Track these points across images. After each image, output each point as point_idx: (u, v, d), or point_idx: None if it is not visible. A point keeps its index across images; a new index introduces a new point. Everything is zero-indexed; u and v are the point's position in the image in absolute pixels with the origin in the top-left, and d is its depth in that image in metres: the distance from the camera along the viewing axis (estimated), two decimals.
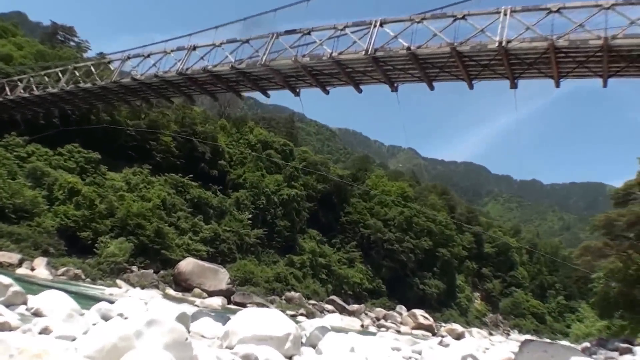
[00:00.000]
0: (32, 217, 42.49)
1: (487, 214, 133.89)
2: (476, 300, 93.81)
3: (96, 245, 44.14)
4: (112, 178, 53.32)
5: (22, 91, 32.35)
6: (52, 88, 30.99)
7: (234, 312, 28.61)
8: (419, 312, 53.89)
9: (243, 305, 43.17)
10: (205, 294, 43.05)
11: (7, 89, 33.17)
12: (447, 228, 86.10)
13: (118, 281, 40.01)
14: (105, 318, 12.03)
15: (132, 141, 58.40)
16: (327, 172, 72.29)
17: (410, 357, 13.75)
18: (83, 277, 38.86)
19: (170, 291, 41.59)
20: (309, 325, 16.00)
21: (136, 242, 45.99)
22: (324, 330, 13.73)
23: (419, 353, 14.25)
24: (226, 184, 63.92)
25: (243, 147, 70.55)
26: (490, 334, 60.42)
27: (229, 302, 43.38)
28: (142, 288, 37.82)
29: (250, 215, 60.99)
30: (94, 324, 10.85)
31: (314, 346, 12.40)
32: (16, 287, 12.20)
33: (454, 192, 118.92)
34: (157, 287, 41.51)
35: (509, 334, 73.61)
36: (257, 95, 57.44)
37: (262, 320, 11.42)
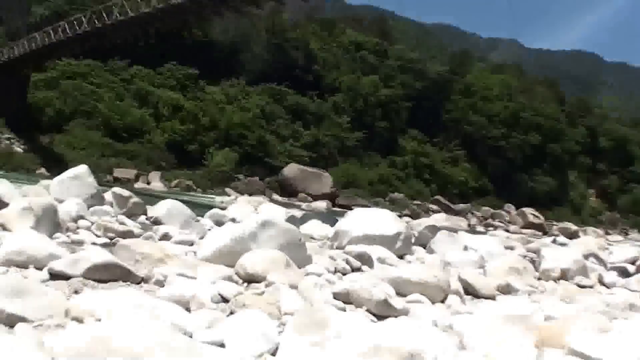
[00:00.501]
0: (142, 134, 44.75)
1: (601, 106, 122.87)
2: (591, 198, 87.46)
3: (203, 156, 45.85)
4: (211, 92, 54.61)
5: (117, 15, 33.10)
6: (144, 8, 31.54)
7: (340, 214, 29.42)
8: (528, 211, 52.17)
9: (348, 207, 43.87)
10: (310, 198, 44.05)
11: (104, 15, 34.02)
12: (557, 122, 79.59)
13: (227, 190, 41.50)
14: (219, 223, 12.64)
15: (226, 54, 59.08)
16: (425, 69, 70.69)
17: (525, 256, 13.52)
18: (194, 187, 40.60)
19: (276, 197, 42.74)
20: (417, 224, 16.00)
21: (240, 152, 47.37)
22: (433, 229, 13.71)
23: (535, 252, 13.97)
24: (322, 89, 63.74)
25: (336, 50, 69.82)
26: (607, 233, 57.79)
27: (334, 205, 44.20)
28: (250, 195, 38.92)
29: (349, 119, 60.89)
30: (209, 229, 11.46)
31: (424, 245, 12.39)
32: (135, 199, 12.86)
33: (564, 84, 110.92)
34: (263, 193, 42.69)
35: (627, 234, 69.01)
36: None
37: (372, 220, 11.51)
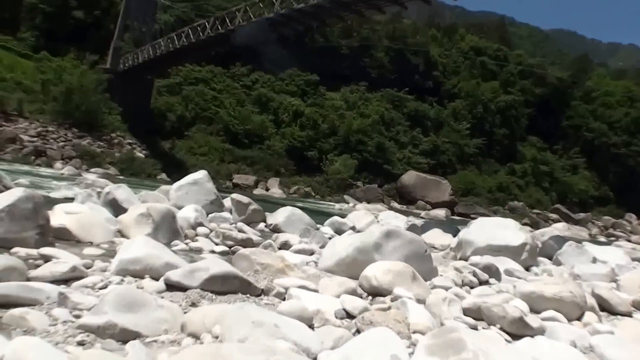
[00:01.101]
0: (262, 140, 45.41)
1: None
2: None
3: (322, 163, 45.94)
4: (331, 98, 54.88)
5: (240, 20, 33.61)
6: (267, 13, 31.83)
7: (460, 223, 28.56)
8: None
9: (467, 215, 42.84)
10: (428, 206, 43.23)
11: (227, 20, 34.66)
12: None
13: (345, 196, 41.32)
14: (339, 232, 12.27)
15: (346, 60, 59.13)
16: (545, 74, 68.13)
17: None
18: (313, 194, 40.69)
19: (394, 204, 42.17)
20: (540, 234, 15.17)
21: (359, 158, 47.18)
22: (558, 239, 12.93)
23: None
24: (441, 95, 62.81)
25: (456, 55, 68.56)
26: None
27: (453, 213, 43.16)
28: (368, 202, 38.61)
29: (468, 125, 59.60)
30: (330, 238, 11.08)
31: (549, 257, 11.64)
32: (255, 206, 12.68)
33: None
34: (382, 200, 42.25)
35: None
36: (463, 2, 55.46)
37: (496, 230, 10.89)
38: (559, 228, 13.97)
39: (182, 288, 5.29)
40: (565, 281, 6.92)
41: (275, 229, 12.02)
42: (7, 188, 9.55)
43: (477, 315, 5.54)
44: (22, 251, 6.17)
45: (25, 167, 24.01)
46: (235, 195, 13.32)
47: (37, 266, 5.72)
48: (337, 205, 33.61)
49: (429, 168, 51.50)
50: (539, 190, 58.98)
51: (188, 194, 12.87)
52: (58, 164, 29.80)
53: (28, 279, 5.11)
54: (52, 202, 8.69)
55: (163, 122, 45.08)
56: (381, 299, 5.83)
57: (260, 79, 53.68)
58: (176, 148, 42.53)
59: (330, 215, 14.25)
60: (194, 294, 5.15)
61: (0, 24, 45.54)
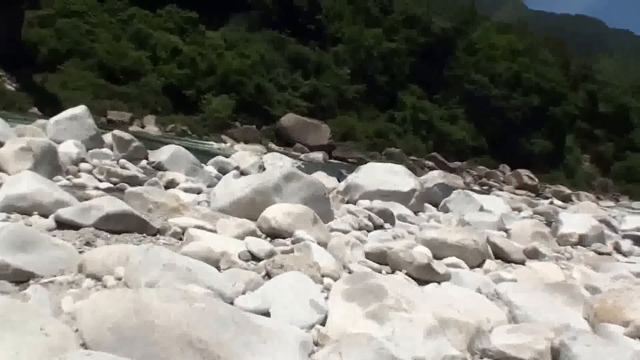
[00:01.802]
0: (138, 77, 43.87)
1: (601, 72, 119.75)
2: (585, 163, 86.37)
3: (199, 102, 45.06)
4: (210, 37, 53.41)
5: None
6: None
7: (338, 166, 29.07)
8: (523, 172, 51.71)
9: (344, 159, 43.64)
10: (306, 149, 43.55)
11: None
12: (560, 85, 77.32)
13: (223, 136, 40.89)
14: (222, 171, 12.11)
15: None
16: (429, 25, 69.32)
17: (532, 217, 13.22)
18: (190, 133, 39.95)
19: (273, 146, 42.10)
20: (423, 181, 15.65)
21: (237, 99, 46.54)
22: (443, 187, 13.38)
23: (541, 214, 13.69)
24: (324, 39, 62.57)
25: None
26: (598, 198, 57.50)
27: (330, 157, 43.76)
28: (246, 143, 38.45)
29: (349, 70, 59.89)
30: (216, 177, 10.94)
31: (433, 203, 12.03)
32: (137, 143, 12.34)
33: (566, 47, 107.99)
34: (260, 142, 42.08)
35: (618, 200, 68.36)
36: None
37: (385, 175, 11.13)
38: (435, 175, 14.37)
39: (75, 226, 5.02)
40: (468, 230, 7.17)
41: (159, 167, 11.73)
42: None
43: (379, 259, 5.63)
44: None
45: None
46: (116, 131, 12.84)
47: None
48: (216, 145, 33.26)
49: (309, 111, 51.54)
50: (417, 138, 60.55)
51: (67, 129, 12.25)
52: None
53: None
54: None
55: (34, 55, 42.42)
56: (282, 241, 5.79)
57: (137, 13, 51.25)
58: (49, 82, 40.19)
59: (209, 154, 14.04)
60: (88, 232, 4.89)
61: None
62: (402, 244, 6.17)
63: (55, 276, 3.98)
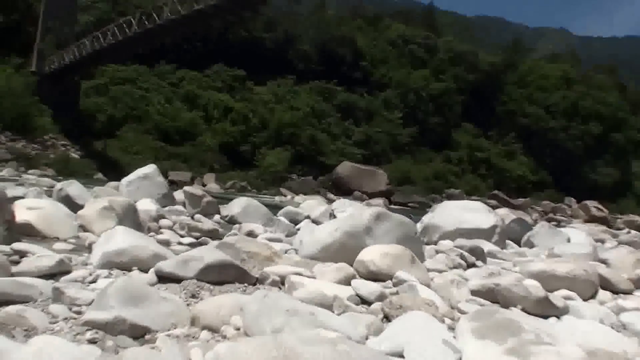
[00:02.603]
0: (193, 137, 44.86)
1: None
2: None
3: (255, 157, 45.52)
4: (259, 92, 54.39)
5: (168, 14, 32.86)
6: (196, 6, 31.25)
7: (401, 211, 28.58)
8: (591, 204, 49.17)
9: (404, 204, 43.13)
10: (365, 197, 43.23)
11: (154, 15, 33.83)
12: (619, 110, 74.57)
13: (281, 189, 41.01)
14: (294, 222, 11.95)
15: (271, 54, 58.65)
16: (476, 61, 69.03)
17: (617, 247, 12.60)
18: (249, 188, 40.21)
19: (331, 196, 41.93)
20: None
21: (292, 151, 46.98)
22: (521, 222, 12.94)
23: (628, 244, 13.05)
24: (371, 85, 62.95)
25: (383, 45, 68.78)
26: None
27: (390, 203, 43.31)
28: (305, 194, 38.37)
29: (400, 114, 59.86)
30: (297, 227, 10.81)
31: (513, 240, 11.55)
32: (209, 198, 12.37)
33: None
34: (318, 192, 42.04)
35: None
36: None
37: (463, 212, 10.71)
38: (502, 214, 13.91)
39: (176, 279, 4.92)
40: (576, 259, 6.82)
41: (232, 221, 11.67)
42: None
43: (487, 296, 5.35)
44: None
45: None
46: (187, 188, 12.96)
47: (14, 262, 5.28)
48: (277, 198, 33.25)
49: (363, 159, 51.51)
50: (476, 177, 59.64)
51: (139, 188, 12.40)
52: None
53: (12, 275, 4.69)
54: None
55: (93, 123, 44.09)
56: (383, 284, 5.59)
57: (186, 76, 52.85)
58: (109, 148, 41.64)
59: (274, 207, 13.90)
60: (190, 285, 4.79)
61: None
62: (510, 278, 5.89)
63: (169, 330, 3.88)
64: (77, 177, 31.04)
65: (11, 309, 3.84)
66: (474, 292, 5.44)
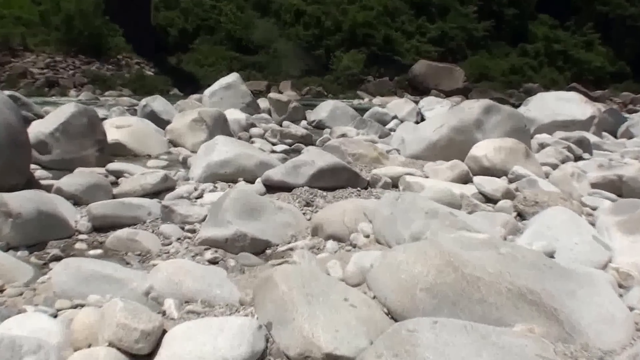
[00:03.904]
0: (267, 44, 44.10)
1: None
2: None
3: (330, 61, 44.73)
4: None
5: None
6: None
7: None
8: None
9: None
10: (442, 95, 42.15)
11: None
12: None
13: (358, 92, 40.37)
14: (382, 122, 11.65)
15: None
16: None
17: None
18: (325, 93, 39.65)
19: (408, 96, 41.08)
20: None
21: (367, 52, 45.75)
22: (613, 113, 12.31)
23: None
24: None
25: None
26: None
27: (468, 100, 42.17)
28: (382, 96, 37.74)
29: (475, 8, 56.93)
30: (390, 128, 10.49)
31: (607, 131, 10.90)
32: (295, 103, 12.23)
33: None
34: (394, 93, 41.20)
35: None
36: None
37: (558, 104, 10.17)
38: None
39: (286, 187, 4.66)
40: None
41: (320, 125, 11.47)
42: (38, 116, 8.96)
43: (609, 188, 4.98)
44: (85, 171, 5.56)
45: (43, 99, 23.21)
46: (272, 95, 12.73)
47: (112, 183, 5.11)
48: (355, 101, 32.66)
49: (439, 56, 49.79)
50: (553, 69, 56.58)
51: (223, 98, 12.27)
52: (72, 92, 29.28)
53: (114, 197, 4.50)
54: None
55: (165, 38, 43.87)
56: (498, 180, 5.17)
57: None
58: (183, 62, 41.46)
59: (357, 109, 13.49)
60: (303, 192, 4.52)
61: None
62: (632, 169, 5.39)
63: (290, 242, 3.61)
64: (153, 94, 31.30)
65: (121, 232, 3.64)
66: (595, 185, 5.09)
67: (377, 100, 33.84)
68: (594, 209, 4.24)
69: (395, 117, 12.78)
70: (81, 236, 3.81)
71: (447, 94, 41.66)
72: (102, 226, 3.89)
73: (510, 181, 5.05)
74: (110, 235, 3.68)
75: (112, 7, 39.09)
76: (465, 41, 54.58)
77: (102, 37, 36.91)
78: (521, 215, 3.82)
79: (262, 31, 44.91)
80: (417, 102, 14.69)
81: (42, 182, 4.95)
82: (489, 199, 4.32)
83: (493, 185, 4.39)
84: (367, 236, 3.39)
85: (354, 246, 3.37)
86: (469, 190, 4.44)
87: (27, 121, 6.53)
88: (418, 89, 43.99)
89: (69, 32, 35.21)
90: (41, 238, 3.63)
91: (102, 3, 37.84)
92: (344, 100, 34.94)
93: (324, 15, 48.06)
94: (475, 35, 55.45)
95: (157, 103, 10.19)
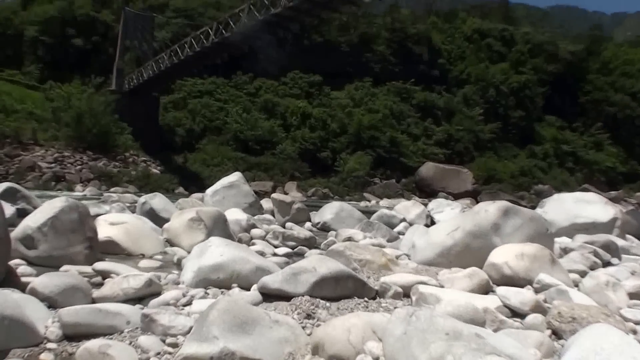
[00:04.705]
0: (273, 145, 44.75)
1: None
2: None
3: (336, 163, 44.94)
4: (336, 97, 53.89)
5: (245, 20, 32.60)
6: (273, 8, 30.80)
7: None
8: None
9: None
10: (451, 197, 41.86)
11: (230, 22, 33.68)
12: None
13: (365, 194, 40.22)
14: (390, 225, 11.19)
15: (347, 57, 57.84)
16: (556, 51, 66.05)
17: None
18: (331, 194, 39.56)
19: (415, 198, 40.87)
20: None
21: (373, 155, 46.20)
22: (635, 214, 11.85)
23: None
24: (449, 83, 61.19)
25: (460, 40, 66.84)
26: None
27: (477, 203, 41.76)
28: (389, 198, 37.60)
29: (481, 111, 57.73)
30: (399, 232, 10.06)
31: (634, 234, 10.38)
32: (299, 204, 11.84)
33: None
34: (402, 195, 41.06)
35: None
36: None
37: (578, 206, 9.66)
38: None
39: (284, 296, 4.16)
40: None
41: (324, 227, 11.05)
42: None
43: None
44: (72, 269, 5.13)
45: (48, 193, 23.12)
46: (276, 195, 12.37)
47: (96, 285, 4.64)
48: (362, 203, 32.38)
49: (446, 158, 50.19)
50: (564, 171, 56.74)
51: (225, 197, 11.94)
52: (78, 187, 29.99)
53: (93, 301, 4.02)
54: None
55: (173, 137, 44.79)
56: (522, 290, 4.65)
57: (263, 85, 52.81)
58: (189, 161, 42.13)
59: (364, 212, 13.09)
60: (303, 302, 4.00)
61: (5, 61, 46.47)
62: None
63: None
64: (158, 191, 31.18)
65: (93, 344, 3.13)
66: (633, 295, 4.55)
67: (384, 202, 33.64)
68: (638, 323, 3.72)
69: (403, 219, 12.33)
70: (50, 345, 3.33)
71: (456, 197, 41.41)
72: (74, 334, 3.41)
73: (536, 291, 4.54)
74: (80, 347, 3.19)
75: (122, 106, 39.91)
76: (472, 143, 55.10)
77: (110, 134, 37.75)
78: (556, 334, 3.31)
79: (267, 132, 45.39)
80: (426, 205, 14.21)
81: (24, 279, 4.52)
82: (516, 313, 3.81)
83: (520, 297, 3.89)
84: (377, 359, 2.87)
85: None
86: (491, 302, 3.93)
87: (25, 214, 6.28)
88: (425, 191, 43.90)
89: (78, 128, 36.05)
90: (3, 345, 3.16)
91: (112, 102, 38.72)
92: (350, 202, 34.83)
93: (330, 117, 48.78)
94: (482, 137, 56.02)
95: (156, 200, 9.87)
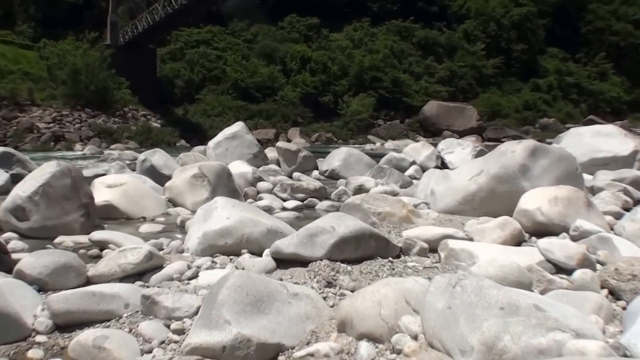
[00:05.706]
0: (274, 92, 43.93)
1: None
2: None
3: (338, 106, 44.25)
4: (335, 39, 52.72)
5: None
6: None
7: (492, 148, 26.66)
8: None
9: (498, 140, 40.85)
10: (456, 135, 41.34)
11: None
12: None
13: (369, 137, 39.72)
14: (399, 168, 10.71)
15: None
16: None
17: None
18: (335, 139, 39.14)
19: (420, 138, 40.34)
20: None
21: (376, 96, 45.30)
22: None
23: None
24: (449, 19, 59.66)
25: None
26: None
27: (482, 140, 41.29)
28: (393, 139, 37.08)
29: (482, 45, 56.39)
30: (410, 176, 9.63)
31: None
32: (305, 152, 11.36)
33: None
34: (406, 136, 40.56)
35: None
36: None
37: (596, 139, 9.19)
38: None
39: (300, 261, 3.75)
40: None
41: (333, 175, 10.62)
42: None
43: None
44: (67, 240, 4.72)
45: (47, 154, 22.75)
46: (281, 144, 11.88)
47: (93, 257, 4.24)
48: (367, 146, 31.90)
49: (449, 96, 49.30)
50: (568, 103, 55.83)
51: (228, 149, 11.46)
52: (78, 146, 29.34)
53: (88, 280, 3.60)
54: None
55: (172, 89, 44.01)
56: (570, 243, 4.19)
57: (260, 31, 51.62)
58: (189, 113, 41.43)
59: (369, 155, 12.61)
60: (322, 267, 3.58)
61: None
62: None
63: (309, 343, 2.68)
64: (160, 146, 30.83)
65: (86, 336, 2.69)
66: None
67: (389, 144, 33.15)
68: None
69: (414, 162, 11.84)
70: (39, 337, 2.89)
71: (461, 134, 40.83)
72: (66, 324, 2.99)
73: (573, 239, 4.11)
74: (73, 340, 2.76)
75: (118, 60, 39.08)
76: (475, 79, 54.12)
77: (108, 90, 37.07)
78: (613, 294, 2.90)
79: (267, 79, 44.61)
80: (435, 145, 13.69)
81: (16, 255, 4.09)
82: (560, 268, 3.39)
83: (565, 250, 3.45)
84: (415, 337, 2.46)
85: (399, 352, 2.44)
86: (529, 257, 3.51)
87: (20, 180, 5.83)
88: (430, 131, 43.35)
89: (75, 86, 35.40)
90: None
91: (108, 57, 37.88)
92: (355, 145, 34.39)
93: (330, 60, 47.84)
94: (485, 72, 55.00)
95: (157, 157, 9.42)
